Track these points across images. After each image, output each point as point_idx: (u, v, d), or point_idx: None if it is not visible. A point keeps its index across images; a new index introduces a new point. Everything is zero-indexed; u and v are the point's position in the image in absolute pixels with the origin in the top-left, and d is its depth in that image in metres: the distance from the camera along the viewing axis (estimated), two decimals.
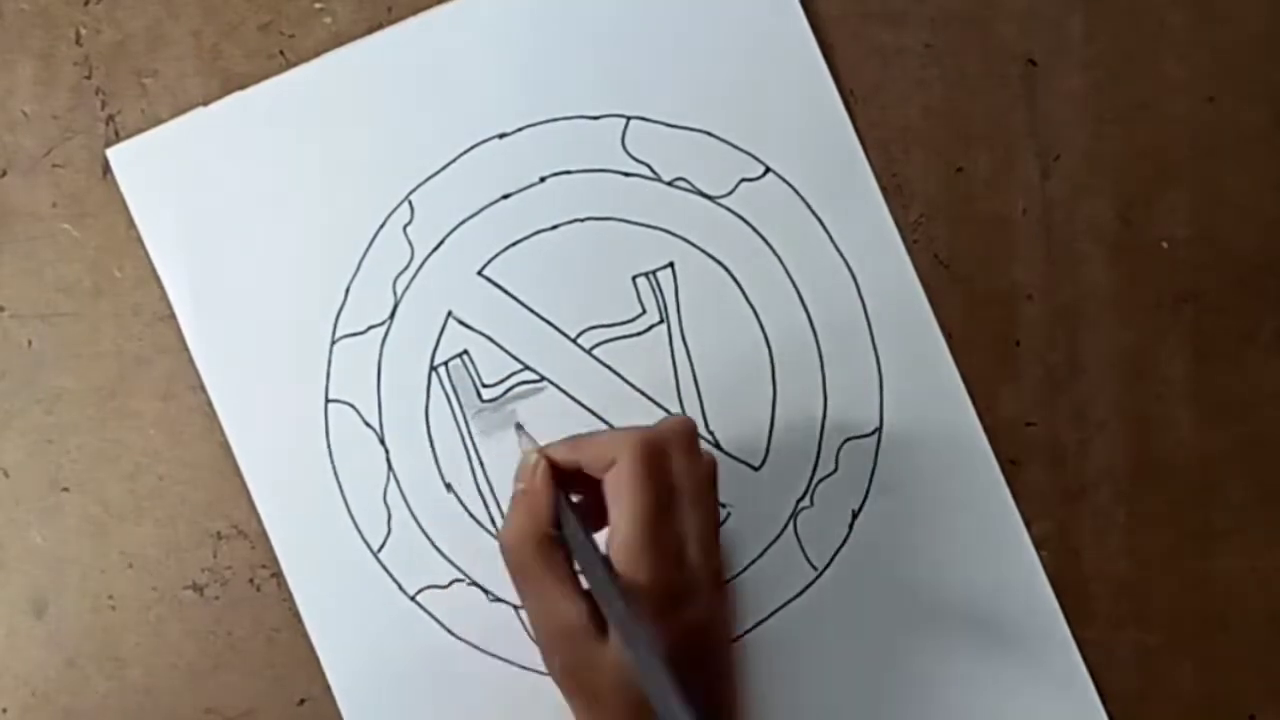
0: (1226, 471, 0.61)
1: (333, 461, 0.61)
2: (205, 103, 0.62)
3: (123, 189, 0.62)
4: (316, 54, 0.62)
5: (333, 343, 0.62)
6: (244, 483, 0.61)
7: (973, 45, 0.62)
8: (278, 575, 0.61)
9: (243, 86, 0.62)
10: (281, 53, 0.62)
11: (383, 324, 0.62)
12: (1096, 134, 0.62)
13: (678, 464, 0.52)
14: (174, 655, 0.61)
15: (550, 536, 0.52)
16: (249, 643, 0.61)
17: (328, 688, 0.60)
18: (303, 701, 0.61)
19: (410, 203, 0.62)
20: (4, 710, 0.62)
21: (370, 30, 0.62)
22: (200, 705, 0.61)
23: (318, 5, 0.62)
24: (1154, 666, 0.60)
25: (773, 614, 0.61)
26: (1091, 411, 0.61)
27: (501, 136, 0.62)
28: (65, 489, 0.62)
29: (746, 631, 0.61)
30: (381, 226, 0.62)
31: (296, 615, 0.61)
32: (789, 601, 0.61)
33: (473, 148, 0.62)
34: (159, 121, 0.62)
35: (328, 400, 0.61)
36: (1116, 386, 0.61)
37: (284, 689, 0.61)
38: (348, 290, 0.62)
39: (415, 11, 0.62)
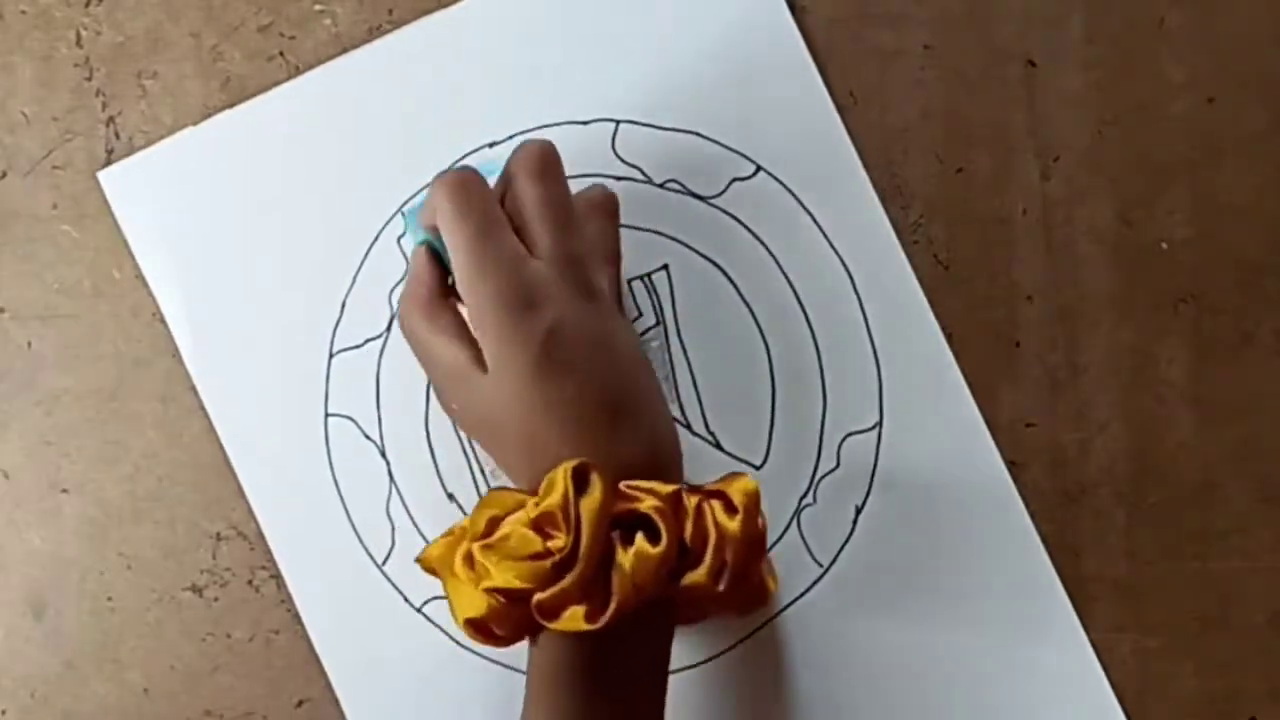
0: (1226, 471, 0.61)
1: (334, 475, 0.61)
2: (205, 104, 0.62)
3: (114, 212, 0.62)
4: (316, 55, 0.62)
5: (330, 357, 0.62)
6: (242, 485, 0.61)
7: (972, 46, 0.62)
8: (276, 577, 0.61)
9: (243, 88, 0.62)
10: (281, 54, 0.62)
11: (380, 336, 0.62)
12: (1096, 134, 0.62)
13: (519, 188, 0.54)
14: (173, 657, 0.61)
15: (431, 302, 0.55)
16: (248, 644, 0.61)
17: (326, 689, 0.60)
18: (301, 703, 0.61)
19: (403, 215, 0.62)
20: (3, 712, 0.62)
21: (370, 31, 0.62)
22: (199, 707, 0.61)
23: (318, 7, 0.62)
24: (1154, 667, 0.60)
25: (779, 612, 0.60)
26: (1091, 412, 0.61)
27: (491, 145, 0.62)
28: (64, 490, 0.62)
29: (753, 632, 0.60)
30: (375, 239, 0.62)
31: (295, 617, 0.61)
32: (795, 600, 0.60)
33: (463, 157, 0.62)
34: (159, 123, 0.62)
35: (327, 414, 0.62)
36: (1116, 387, 0.61)
37: (282, 690, 0.61)
38: (344, 304, 0.62)
39: (416, 13, 0.62)
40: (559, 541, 0.50)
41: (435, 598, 0.61)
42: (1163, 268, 0.61)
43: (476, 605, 0.51)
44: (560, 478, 0.50)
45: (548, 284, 0.53)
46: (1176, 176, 0.61)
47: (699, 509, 0.52)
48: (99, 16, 0.63)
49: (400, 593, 0.61)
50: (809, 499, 0.61)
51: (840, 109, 0.62)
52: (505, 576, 0.50)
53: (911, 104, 0.62)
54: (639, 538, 0.51)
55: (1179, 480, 0.61)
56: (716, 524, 0.51)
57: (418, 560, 0.54)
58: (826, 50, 0.62)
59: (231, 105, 0.62)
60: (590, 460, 0.51)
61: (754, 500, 0.52)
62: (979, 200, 0.62)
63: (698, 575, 0.51)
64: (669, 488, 0.51)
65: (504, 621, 0.52)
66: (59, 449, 0.62)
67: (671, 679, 0.55)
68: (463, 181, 0.54)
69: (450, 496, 0.61)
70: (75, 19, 0.63)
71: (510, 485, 0.55)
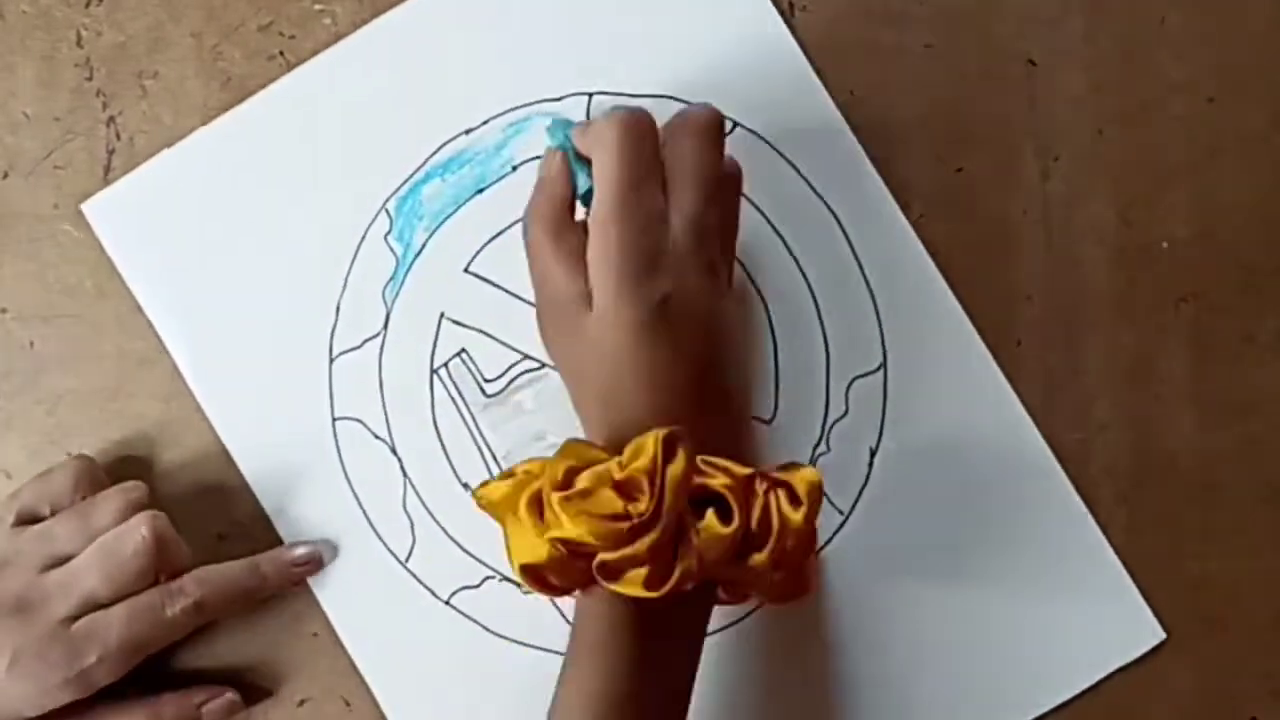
0: (1226, 471, 0.61)
1: (348, 479, 0.61)
2: (206, 103, 0.62)
3: (102, 241, 0.62)
4: (316, 55, 0.62)
5: (331, 361, 0.62)
6: (246, 482, 0.61)
7: (973, 45, 0.62)
8: None
9: (243, 87, 0.62)
10: (281, 53, 0.62)
11: (378, 335, 0.62)
12: (1096, 134, 0.62)
13: (680, 146, 0.54)
14: (173, 656, 0.61)
15: (558, 220, 0.55)
16: (249, 643, 0.61)
17: (328, 688, 0.61)
18: (303, 702, 0.61)
19: (387, 211, 0.62)
20: None
21: None
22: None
23: (318, 7, 0.62)
24: (1154, 667, 0.60)
25: None
26: (1092, 412, 0.61)
27: (468, 132, 0.62)
28: None
29: None
30: (362, 239, 0.62)
31: (297, 615, 0.61)
32: (820, 549, 0.60)
33: (441, 147, 0.62)
34: (160, 123, 0.62)
35: (334, 419, 0.62)
36: (1117, 387, 0.61)
37: (285, 689, 0.61)
38: (338, 307, 0.62)
39: None
40: (641, 506, 0.50)
41: (463, 588, 0.61)
42: (1163, 268, 0.61)
43: (538, 552, 0.51)
44: (651, 444, 0.50)
45: (677, 252, 0.53)
46: (1176, 176, 0.62)
47: (766, 495, 0.52)
48: (99, 16, 0.63)
49: (427, 588, 0.61)
50: (823, 447, 0.61)
51: (841, 107, 0.62)
52: (579, 530, 0.50)
53: (912, 103, 0.62)
54: (710, 514, 0.51)
55: (1179, 480, 0.61)
56: (781, 513, 0.52)
57: (474, 497, 0.54)
58: (827, 48, 0.62)
59: (232, 105, 0.62)
60: (678, 430, 0.51)
61: (817, 493, 0.52)
62: (979, 200, 0.62)
63: (760, 559, 0.52)
64: (744, 470, 0.52)
65: (561, 572, 0.52)
66: (62, 449, 0.62)
67: (708, 637, 0.55)
68: (638, 123, 0.54)
69: (465, 486, 0.61)
70: (76, 19, 0.63)
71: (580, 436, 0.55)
